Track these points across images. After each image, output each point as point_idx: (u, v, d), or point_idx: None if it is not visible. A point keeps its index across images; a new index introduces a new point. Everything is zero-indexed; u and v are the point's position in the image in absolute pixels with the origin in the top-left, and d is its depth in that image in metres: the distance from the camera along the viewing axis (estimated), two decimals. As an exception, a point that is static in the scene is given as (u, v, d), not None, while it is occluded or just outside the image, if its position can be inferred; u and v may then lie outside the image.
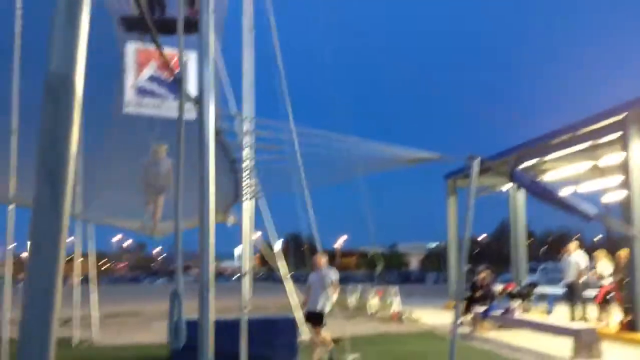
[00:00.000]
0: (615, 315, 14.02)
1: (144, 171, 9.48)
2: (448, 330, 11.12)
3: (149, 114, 7.83)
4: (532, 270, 29.18)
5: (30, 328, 1.90)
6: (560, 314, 15.91)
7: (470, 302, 15.89)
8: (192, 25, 4.16)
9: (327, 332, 10.30)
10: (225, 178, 8.97)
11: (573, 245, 16.05)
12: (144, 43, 7.40)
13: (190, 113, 4.26)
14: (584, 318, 14.78)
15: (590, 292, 15.35)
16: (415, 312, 18.64)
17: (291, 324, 11.20)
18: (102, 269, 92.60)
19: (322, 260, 10.52)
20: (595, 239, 59.62)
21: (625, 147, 13.45)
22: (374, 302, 20.87)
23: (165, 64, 6.27)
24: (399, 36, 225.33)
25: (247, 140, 8.64)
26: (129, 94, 7.75)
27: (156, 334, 12.74)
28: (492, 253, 71.09)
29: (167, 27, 5.69)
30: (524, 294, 17.99)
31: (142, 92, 7.75)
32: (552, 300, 17.90)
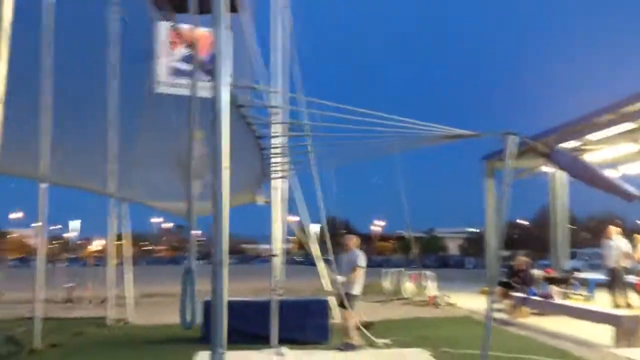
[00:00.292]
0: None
1: (179, 156, 9.41)
2: (484, 315, 10.86)
3: (181, 94, 7.73)
4: (574, 255, 28.57)
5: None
6: (602, 301, 15.41)
7: (508, 287, 15.55)
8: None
9: (353, 316, 10.00)
10: (253, 155, 8.81)
11: (613, 229, 15.46)
12: (176, 22, 7.29)
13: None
14: (626, 304, 14.29)
15: (633, 278, 14.83)
16: (452, 296, 18.35)
17: (323, 306, 11.09)
18: (142, 250, 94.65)
19: (351, 241, 10.34)
20: (640, 223, 58.00)
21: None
22: (408, 286, 20.66)
23: (197, 44, 6.14)
24: (439, 19, 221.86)
25: (277, 117, 8.48)
26: (161, 74, 7.68)
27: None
28: (534, 238, 69.81)
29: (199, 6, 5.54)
30: (564, 280, 17.52)
31: (174, 72, 7.67)
32: (592, 285, 17.37)
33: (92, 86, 9.23)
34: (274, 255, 10.45)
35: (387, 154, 11.30)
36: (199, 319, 6.84)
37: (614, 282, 14.78)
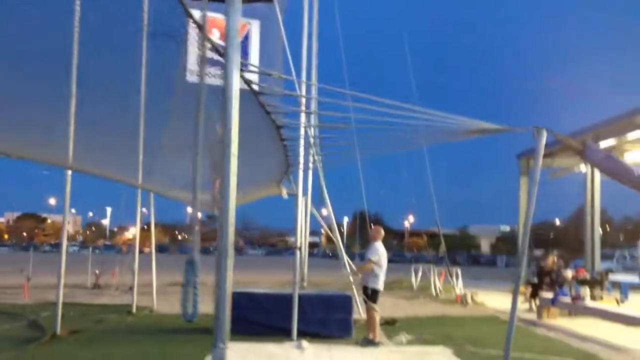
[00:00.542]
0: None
1: (210, 149, 9.34)
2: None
3: (212, 84, 7.66)
4: (609, 257, 27.91)
5: None
6: (635, 303, 14.97)
7: (538, 287, 15.23)
8: None
9: (374, 312, 9.80)
10: (274, 146, 8.72)
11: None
12: (207, 10, 7.22)
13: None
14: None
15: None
16: (481, 295, 18.07)
17: (346, 301, 10.94)
18: (176, 239, 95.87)
19: (375, 234, 10.16)
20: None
21: None
22: (437, 283, 20.45)
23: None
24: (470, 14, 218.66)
25: (302, 107, 8.38)
26: (192, 62, 7.63)
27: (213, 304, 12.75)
28: (569, 238, 68.60)
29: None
30: (596, 281, 17.08)
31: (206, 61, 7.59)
32: (626, 288, 16.90)
33: (121, 73, 9.23)
34: (297, 248, 10.38)
35: (418, 148, 11.10)
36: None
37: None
